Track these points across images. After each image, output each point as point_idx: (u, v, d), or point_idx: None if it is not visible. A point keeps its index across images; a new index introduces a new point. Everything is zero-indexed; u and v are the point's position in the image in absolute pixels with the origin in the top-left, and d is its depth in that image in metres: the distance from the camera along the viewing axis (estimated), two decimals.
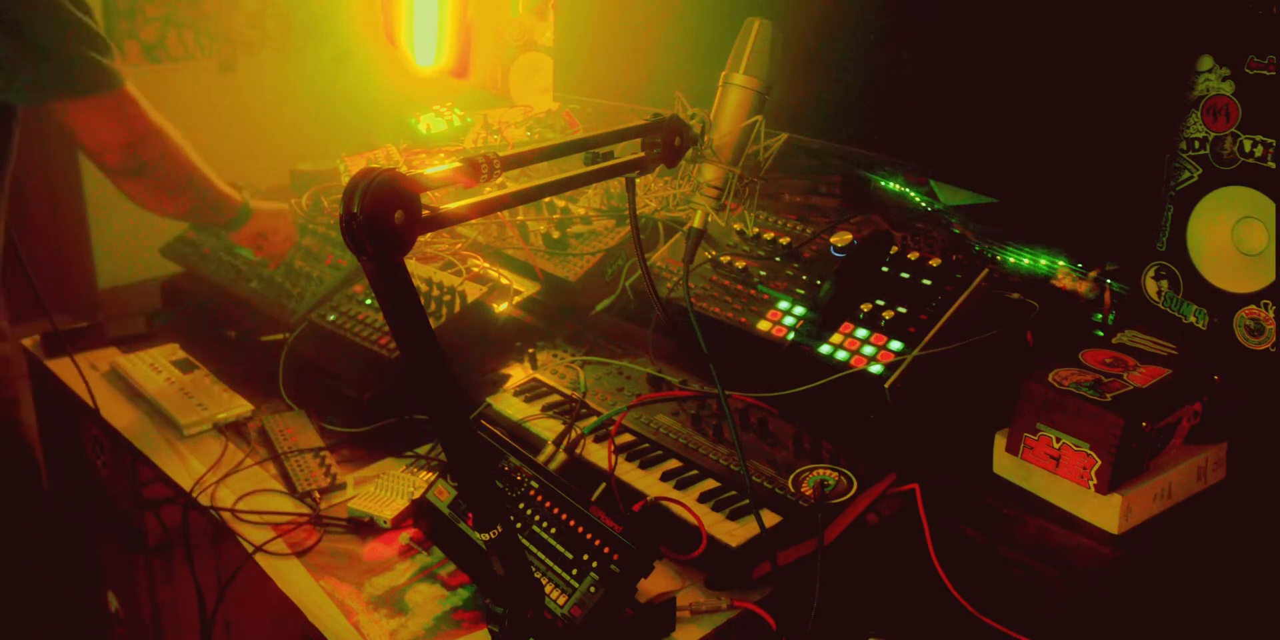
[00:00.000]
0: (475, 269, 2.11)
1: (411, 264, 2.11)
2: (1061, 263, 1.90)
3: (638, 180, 1.46)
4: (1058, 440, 1.49)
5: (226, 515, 1.65)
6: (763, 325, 1.81)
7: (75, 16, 1.70)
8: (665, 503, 1.53)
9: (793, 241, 1.93)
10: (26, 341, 2.23)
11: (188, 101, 4.68)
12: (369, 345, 1.93)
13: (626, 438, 1.70)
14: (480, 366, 1.96)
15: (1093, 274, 1.87)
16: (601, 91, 2.64)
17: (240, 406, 1.93)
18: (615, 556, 1.32)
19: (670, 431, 1.69)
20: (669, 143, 1.44)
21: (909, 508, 1.52)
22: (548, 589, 1.34)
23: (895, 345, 1.66)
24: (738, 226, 1.97)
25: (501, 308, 2.02)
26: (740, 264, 1.92)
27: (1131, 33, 1.71)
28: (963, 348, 1.64)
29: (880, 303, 1.72)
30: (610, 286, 2.06)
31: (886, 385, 1.61)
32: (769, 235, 1.96)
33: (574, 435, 1.69)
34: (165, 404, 1.93)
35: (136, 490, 2.00)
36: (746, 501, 1.50)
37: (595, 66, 2.65)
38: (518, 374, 1.93)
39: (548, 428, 1.74)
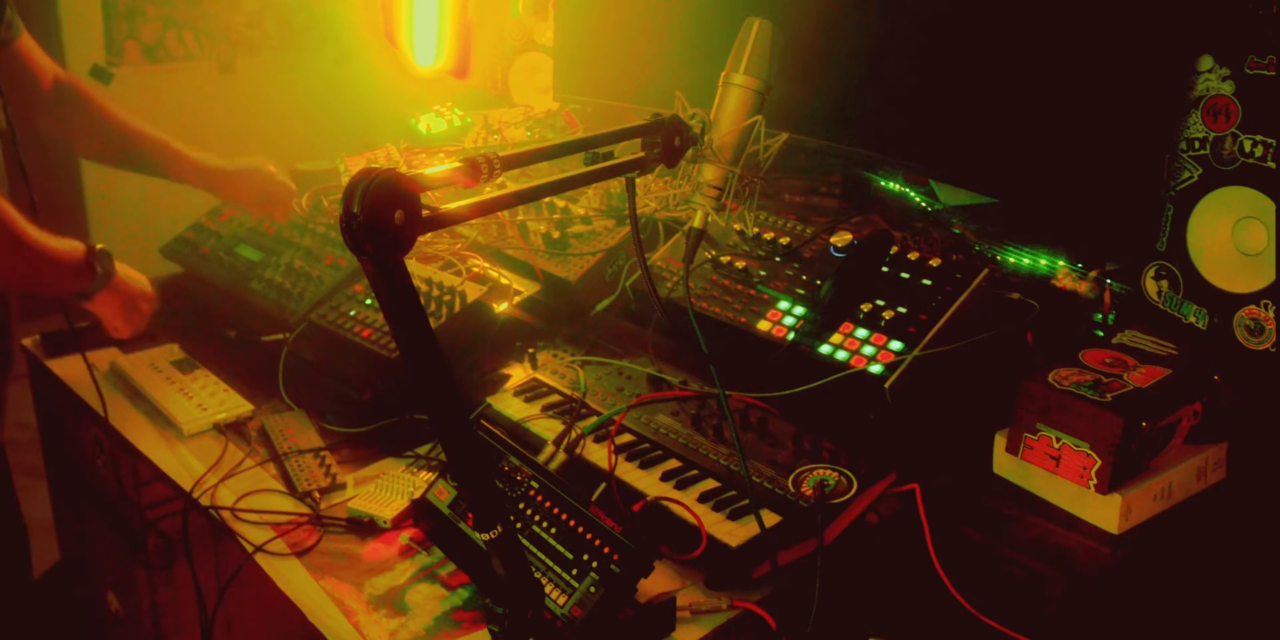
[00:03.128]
0: (475, 269, 2.11)
1: (411, 264, 2.11)
2: (1061, 263, 1.90)
3: (638, 180, 1.46)
4: (1058, 440, 1.49)
5: (226, 515, 1.64)
6: (763, 325, 1.81)
7: None
8: (665, 503, 1.53)
9: (793, 241, 1.93)
10: (26, 341, 2.23)
11: (188, 101, 4.67)
12: (369, 345, 1.93)
13: (626, 438, 1.70)
14: (480, 366, 1.96)
15: (1093, 274, 1.87)
16: (601, 91, 2.64)
17: (240, 406, 1.93)
18: (615, 556, 1.32)
19: (670, 431, 1.69)
20: (669, 143, 1.44)
21: (909, 508, 1.52)
22: (548, 589, 1.34)
23: (895, 345, 1.66)
24: (738, 226, 1.97)
25: (501, 308, 2.02)
26: (740, 264, 1.92)
27: (1131, 33, 1.71)
28: (963, 348, 1.64)
29: (880, 303, 1.72)
30: (610, 286, 2.06)
31: (886, 385, 1.61)
32: (769, 235, 1.96)
33: (574, 435, 1.69)
34: (165, 404, 1.93)
35: (136, 490, 2.00)
36: (746, 501, 1.50)
37: (595, 66, 2.65)
38: (518, 374, 1.93)
39: (548, 428, 1.74)
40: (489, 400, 1.84)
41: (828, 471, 1.53)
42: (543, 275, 2.12)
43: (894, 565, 1.55)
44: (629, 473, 1.61)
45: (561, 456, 1.65)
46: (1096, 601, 1.47)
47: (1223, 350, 1.67)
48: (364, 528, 1.61)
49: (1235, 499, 1.59)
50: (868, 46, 2.03)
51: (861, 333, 1.70)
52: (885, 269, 1.79)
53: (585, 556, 1.34)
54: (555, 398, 1.83)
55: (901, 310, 1.70)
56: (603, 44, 2.63)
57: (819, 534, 1.43)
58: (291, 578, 1.51)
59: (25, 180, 1.92)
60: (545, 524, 1.41)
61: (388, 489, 1.66)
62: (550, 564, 1.37)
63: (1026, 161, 1.86)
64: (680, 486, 1.57)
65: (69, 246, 1.88)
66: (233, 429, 1.88)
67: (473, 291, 1.96)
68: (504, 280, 2.08)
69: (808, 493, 1.50)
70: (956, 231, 2.03)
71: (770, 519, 1.45)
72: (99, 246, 1.92)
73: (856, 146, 2.10)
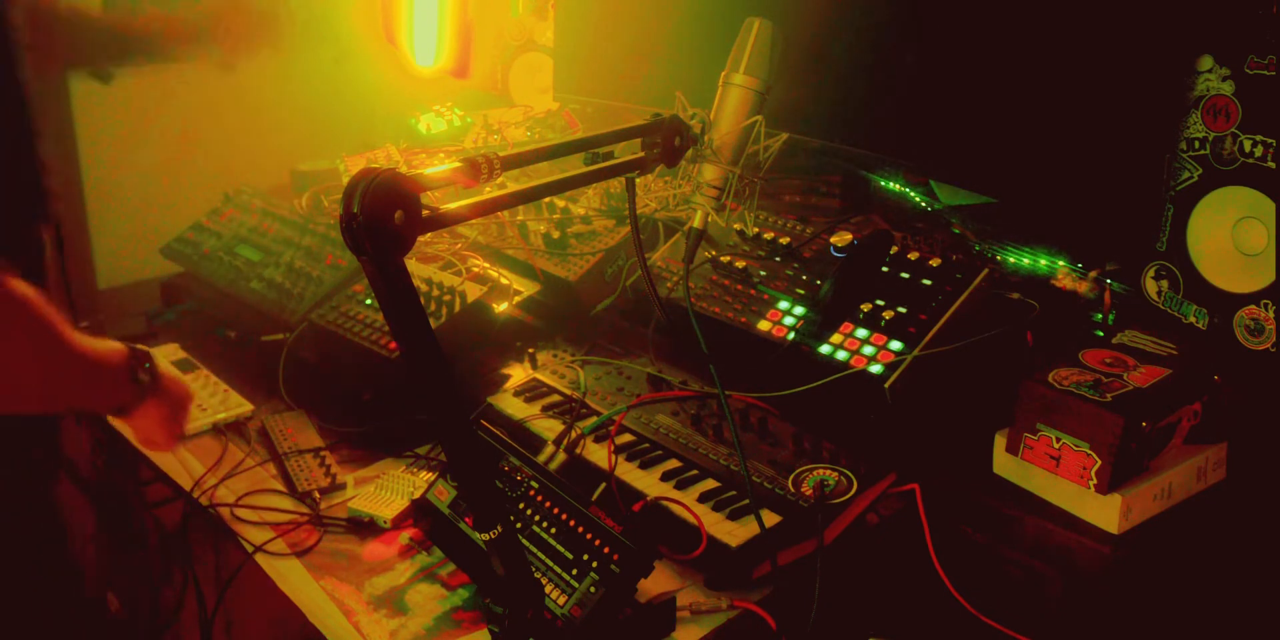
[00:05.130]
0: (475, 269, 2.11)
1: (411, 264, 2.11)
2: (1061, 263, 1.90)
3: (638, 180, 1.46)
4: (1058, 440, 1.49)
5: (226, 515, 1.64)
6: (763, 325, 1.81)
7: None
8: (665, 503, 1.53)
9: (793, 241, 1.93)
10: None
11: (188, 101, 4.67)
12: (369, 345, 1.93)
13: (626, 438, 1.70)
14: (480, 366, 1.96)
15: (1093, 274, 1.87)
16: (601, 91, 2.64)
17: (240, 406, 1.92)
18: (615, 556, 1.32)
19: (670, 431, 1.69)
20: (669, 143, 1.44)
21: (909, 508, 1.52)
22: (548, 589, 1.34)
23: (895, 345, 1.66)
24: (738, 226, 1.97)
25: (501, 308, 2.02)
26: (740, 264, 1.92)
27: (1131, 33, 1.71)
28: (963, 348, 1.64)
29: (880, 303, 1.72)
30: (610, 286, 2.06)
31: (886, 385, 1.60)
32: (769, 235, 1.96)
33: (574, 435, 1.69)
34: None
35: (137, 490, 2.00)
36: (746, 501, 1.50)
37: (595, 66, 2.65)
38: (518, 374, 1.93)
39: (548, 428, 1.74)
40: (489, 400, 1.84)
41: (828, 471, 1.53)
42: (543, 275, 2.12)
43: (894, 565, 1.55)
44: (629, 473, 1.61)
45: (561, 456, 1.65)
46: (1096, 601, 1.47)
47: (1223, 350, 1.67)
48: (364, 528, 1.61)
49: (1235, 499, 1.59)
50: (868, 46, 2.03)
51: (861, 333, 1.70)
52: (885, 269, 1.79)
53: (585, 556, 1.34)
54: (555, 398, 1.83)
55: (901, 310, 1.70)
56: (603, 44, 2.63)
57: (819, 534, 1.43)
58: (291, 578, 1.51)
59: (66, 282, 1.78)
60: (545, 524, 1.41)
61: (388, 489, 1.66)
62: (550, 564, 1.37)
63: (1026, 161, 1.86)
64: (680, 486, 1.57)
65: (108, 349, 1.40)
66: (233, 429, 1.88)
67: (473, 291, 1.96)
68: (504, 280, 2.08)
69: (808, 493, 1.50)
70: (956, 231, 2.03)
71: (770, 519, 1.45)
72: (139, 347, 1.45)
73: (856, 146, 2.10)
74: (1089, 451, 1.45)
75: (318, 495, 1.67)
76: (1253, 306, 1.64)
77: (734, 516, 1.49)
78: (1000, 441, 1.58)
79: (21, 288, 1.25)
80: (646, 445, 1.67)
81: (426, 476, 1.69)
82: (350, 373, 1.93)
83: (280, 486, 1.72)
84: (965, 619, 1.45)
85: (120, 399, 1.43)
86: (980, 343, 1.65)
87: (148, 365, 1.45)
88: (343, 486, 1.71)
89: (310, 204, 2.36)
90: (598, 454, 1.65)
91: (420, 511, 1.59)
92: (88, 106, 4.52)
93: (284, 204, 2.42)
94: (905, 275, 1.76)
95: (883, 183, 2.18)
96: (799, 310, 1.80)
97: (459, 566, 1.52)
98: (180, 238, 2.46)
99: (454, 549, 1.53)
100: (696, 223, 1.55)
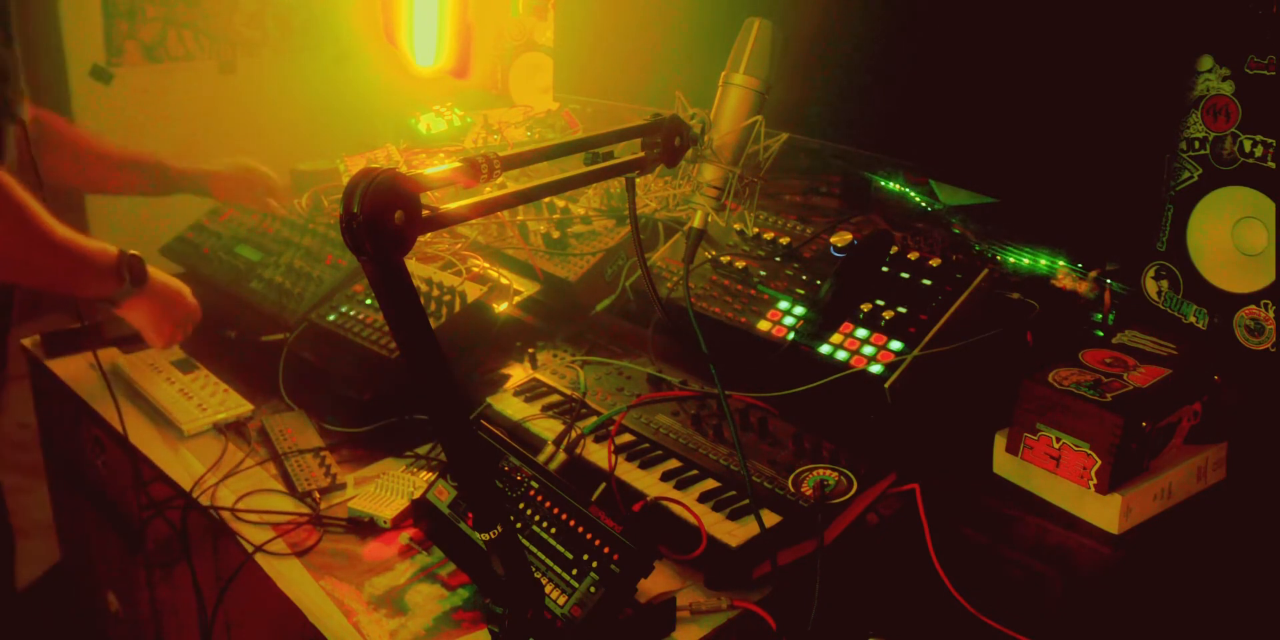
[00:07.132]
0: (475, 269, 2.11)
1: (411, 264, 2.11)
2: (1061, 263, 1.90)
3: (638, 180, 1.46)
4: (1058, 440, 1.49)
5: (226, 515, 1.64)
6: (763, 325, 1.81)
7: None
8: (665, 503, 1.53)
9: (793, 241, 1.93)
10: (26, 341, 2.23)
11: (188, 101, 4.67)
12: (369, 345, 1.93)
13: (626, 438, 1.70)
14: (480, 366, 1.96)
15: (1093, 274, 1.87)
16: (601, 91, 2.64)
17: (240, 406, 1.92)
18: (615, 556, 1.32)
19: (670, 431, 1.69)
20: (669, 143, 1.44)
21: (909, 508, 1.52)
22: (548, 589, 1.34)
23: (895, 345, 1.66)
24: (738, 226, 1.97)
25: (501, 308, 2.02)
26: (740, 264, 1.92)
27: (1131, 33, 1.71)
28: (963, 348, 1.64)
29: (880, 303, 1.73)
30: (610, 286, 2.06)
31: (886, 385, 1.61)
32: (769, 235, 1.96)
33: (574, 435, 1.69)
34: (165, 404, 1.93)
35: (137, 490, 2.00)
36: (746, 501, 1.50)
37: (595, 66, 2.65)
38: (518, 374, 1.93)
39: (548, 428, 1.74)
40: (489, 400, 1.84)
41: (828, 471, 1.53)
42: (543, 275, 2.12)
43: (894, 565, 1.55)
44: (629, 473, 1.61)
45: (561, 456, 1.65)
46: (1096, 601, 1.47)
47: (1223, 350, 1.67)
48: (364, 528, 1.61)
49: (1235, 499, 1.59)
50: (868, 46, 2.03)
51: (861, 333, 1.70)
52: (885, 269, 1.79)
53: (585, 556, 1.34)
54: (555, 398, 1.83)
55: (901, 310, 1.70)
56: (603, 44, 2.63)
57: (819, 534, 1.43)
58: (291, 578, 1.51)
59: (38, 177, 1.89)
60: (545, 524, 1.41)
61: (388, 489, 1.66)
62: (550, 564, 1.37)
63: (1026, 161, 1.86)
64: (680, 486, 1.57)
65: (98, 248, 1.83)
66: (233, 429, 1.88)
67: (473, 291, 1.96)
68: (504, 280, 2.08)
69: (808, 493, 1.50)
70: (956, 231, 2.03)
71: (770, 519, 1.45)
72: (131, 252, 1.88)
73: (856, 146, 2.10)
74: (1089, 451, 1.46)
75: (318, 495, 1.67)
76: (1253, 306, 1.64)
77: (734, 516, 1.49)
78: (1000, 441, 1.58)
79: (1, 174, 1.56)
80: (646, 445, 1.67)
81: (426, 476, 1.69)
82: (350, 373, 1.93)
83: (280, 486, 1.72)
84: (965, 619, 1.45)
85: (107, 290, 1.85)
86: (980, 343, 1.65)
87: (134, 266, 1.86)
88: (343, 486, 1.71)
89: (310, 204, 2.36)
90: (598, 454, 1.65)
91: (420, 511, 1.59)
92: (88, 106, 4.54)
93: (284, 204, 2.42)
94: (905, 275, 1.76)
95: (883, 183, 2.18)
96: (799, 310, 1.80)
97: (459, 566, 1.52)
98: (180, 237, 2.47)
99: (454, 549, 1.53)
100: (696, 223, 1.54)
